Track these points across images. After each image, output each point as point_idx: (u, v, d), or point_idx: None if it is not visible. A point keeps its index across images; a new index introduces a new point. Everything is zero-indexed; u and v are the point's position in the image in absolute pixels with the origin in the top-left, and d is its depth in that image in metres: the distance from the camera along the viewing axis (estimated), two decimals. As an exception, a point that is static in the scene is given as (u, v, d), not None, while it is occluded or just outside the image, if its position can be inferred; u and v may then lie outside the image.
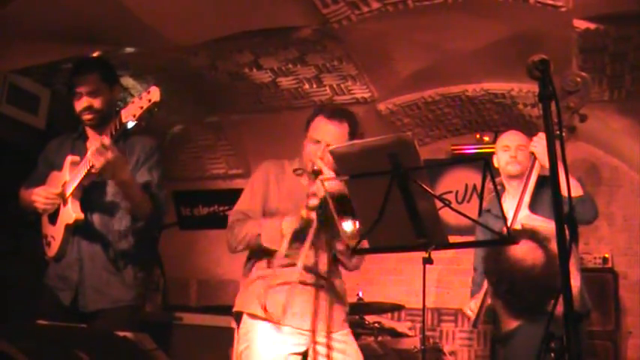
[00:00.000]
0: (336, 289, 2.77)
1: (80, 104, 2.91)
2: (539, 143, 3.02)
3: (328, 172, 2.51)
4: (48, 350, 1.85)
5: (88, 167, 2.72)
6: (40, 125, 4.33)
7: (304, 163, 2.76)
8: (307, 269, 2.62)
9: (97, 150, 2.57)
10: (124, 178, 2.70)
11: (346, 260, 2.77)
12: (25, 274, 3.69)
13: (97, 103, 2.90)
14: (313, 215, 2.48)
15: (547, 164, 2.94)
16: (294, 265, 2.51)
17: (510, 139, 3.44)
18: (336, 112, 2.79)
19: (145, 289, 3.07)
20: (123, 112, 2.55)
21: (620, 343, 4.55)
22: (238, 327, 2.72)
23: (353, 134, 2.73)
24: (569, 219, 1.64)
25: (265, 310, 2.54)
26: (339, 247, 2.72)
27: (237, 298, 2.77)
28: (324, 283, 2.71)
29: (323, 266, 2.71)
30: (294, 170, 2.81)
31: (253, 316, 2.64)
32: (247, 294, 2.69)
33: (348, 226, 2.33)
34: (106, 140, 2.57)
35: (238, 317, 2.72)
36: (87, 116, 2.92)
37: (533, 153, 3.09)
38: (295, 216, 2.56)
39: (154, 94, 2.50)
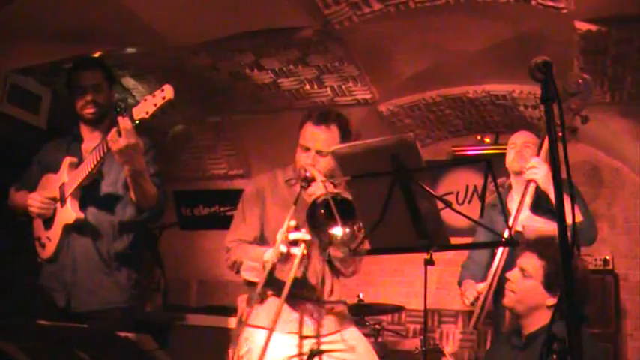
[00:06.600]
0: (330, 291, 2.72)
1: (84, 98, 2.93)
2: (538, 170, 3.01)
3: (321, 179, 2.42)
4: (49, 350, 1.85)
5: (99, 158, 2.71)
6: (42, 124, 4.33)
7: (297, 171, 2.67)
8: (299, 285, 2.50)
9: (116, 132, 2.56)
10: (138, 165, 2.67)
11: (344, 268, 2.72)
12: (24, 273, 3.68)
13: (100, 97, 2.96)
14: (295, 250, 2.33)
15: (548, 190, 2.95)
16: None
17: (517, 136, 3.51)
18: (324, 116, 2.66)
19: (141, 290, 3.05)
20: (135, 110, 2.55)
21: (621, 345, 4.54)
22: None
23: (344, 137, 2.64)
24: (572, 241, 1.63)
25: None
26: (337, 254, 2.65)
27: (239, 300, 2.74)
28: (318, 292, 2.67)
29: (317, 279, 2.67)
30: (287, 181, 2.74)
31: (251, 326, 2.62)
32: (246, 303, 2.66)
33: (347, 230, 2.26)
34: (128, 124, 2.54)
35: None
36: (89, 110, 2.94)
37: (532, 180, 3.07)
38: (275, 250, 2.42)
39: (168, 91, 2.52)
